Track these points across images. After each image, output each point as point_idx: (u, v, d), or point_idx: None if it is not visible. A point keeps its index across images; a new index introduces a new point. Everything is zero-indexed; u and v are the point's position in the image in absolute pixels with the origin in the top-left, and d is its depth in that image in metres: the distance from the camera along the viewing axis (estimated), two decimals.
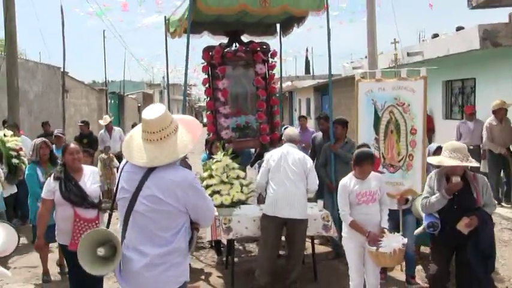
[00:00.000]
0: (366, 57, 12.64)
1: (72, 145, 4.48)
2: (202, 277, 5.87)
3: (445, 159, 4.13)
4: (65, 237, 4.31)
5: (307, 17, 6.54)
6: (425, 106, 5.54)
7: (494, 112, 8.52)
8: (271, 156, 5.33)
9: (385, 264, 4.34)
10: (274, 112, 7.08)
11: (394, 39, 6.62)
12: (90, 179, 4.41)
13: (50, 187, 4.33)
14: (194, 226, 2.90)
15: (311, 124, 22.30)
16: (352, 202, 4.40)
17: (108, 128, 11.35)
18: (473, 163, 4.14)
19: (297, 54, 44.36)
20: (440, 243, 4.31)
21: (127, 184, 2.77)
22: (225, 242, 6.18)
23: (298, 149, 5.61)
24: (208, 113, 6.94)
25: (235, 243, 6.30)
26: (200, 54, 6.82)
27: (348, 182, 4.45)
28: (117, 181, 2.89)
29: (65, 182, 4.27)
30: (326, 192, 6.38)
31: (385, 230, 4.35)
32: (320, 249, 6.58)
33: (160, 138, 2.71)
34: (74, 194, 4.24)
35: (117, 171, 3.02)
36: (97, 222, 4.33)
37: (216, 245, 6.44)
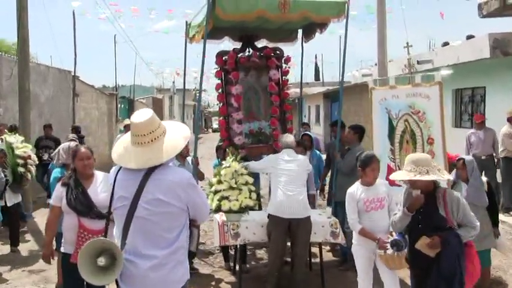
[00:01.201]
0: (375, 64, 12.65)
1: (83, 149, 4.15)
2: (210, 283, 5.87)
3: (398, 174, 3.88)
4: (70, 247, 3.99)
5: (329, 23, 6.40)
6: (443, 114, 5.21)
7: (509, 120, 8.46)
8: (271, 161, 5.42)
9: (394, 267, 4.31)
10: (287, 118, 7.04)
11: (407, 43, 6.24)
12: (101, 186, 4.06)
13: (58, 193, 4.04)
14: (192, 223, 2.92)
15: (319, 131, 22.37)
16: (360, 210, 4.39)
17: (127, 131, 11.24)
18: (433, 177, 3.64)
19: (307, 61, 44.39)
20: (411, 265, 4.00)
21: (125, 192, 2.75)
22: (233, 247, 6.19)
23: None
24: (221, 118, 6.90)
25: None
26: (212, 59, 6.83)
27: (355, 190, 4.45)
28: (111, 191, 2.84)
29: (72, 189, 3.98)
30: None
31: (393, 234, 4.33)
32: (328, 256, 6.57)
33: (151, 140, 2.74)
34: (80, 203, 3.92)
35: None
36: (103, 234, 3.78)
37: (223, 250, 6.45)
